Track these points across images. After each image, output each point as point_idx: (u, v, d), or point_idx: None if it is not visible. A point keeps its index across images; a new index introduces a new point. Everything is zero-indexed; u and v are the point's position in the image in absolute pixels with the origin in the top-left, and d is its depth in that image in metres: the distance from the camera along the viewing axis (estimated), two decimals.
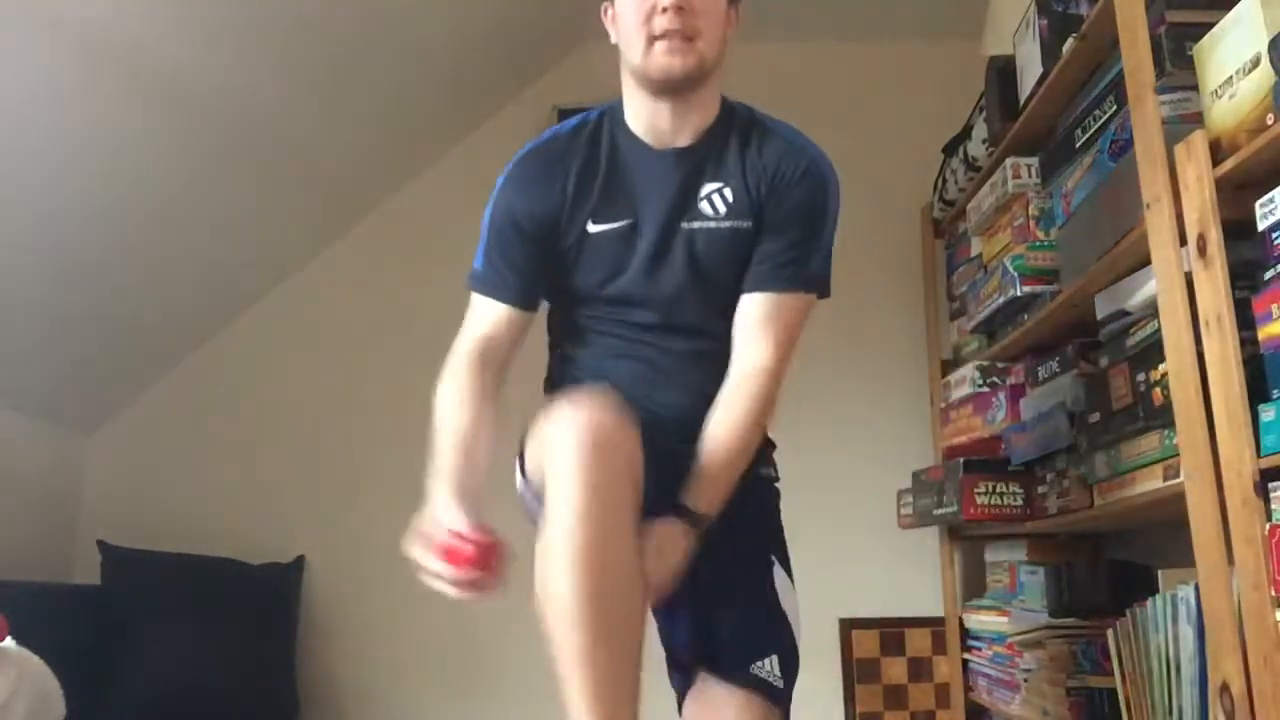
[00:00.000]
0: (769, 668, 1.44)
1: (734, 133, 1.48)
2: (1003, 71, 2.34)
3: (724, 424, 1.40)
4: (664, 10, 1.36)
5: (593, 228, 1.44)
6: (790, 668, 1.47)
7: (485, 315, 1.48)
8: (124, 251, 2.56)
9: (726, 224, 1.44)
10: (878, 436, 2.93)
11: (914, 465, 2.68)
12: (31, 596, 2.35)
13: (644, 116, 1.46)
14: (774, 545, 1.56)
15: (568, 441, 1.19)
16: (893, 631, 2.86)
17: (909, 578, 2.86)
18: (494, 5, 2.68)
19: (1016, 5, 2.27)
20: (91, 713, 2.17)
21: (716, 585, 1.42)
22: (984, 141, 2.49)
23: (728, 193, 1.45)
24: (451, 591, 1.25)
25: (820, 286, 1.49)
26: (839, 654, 2.86)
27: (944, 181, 2.80)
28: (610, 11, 1.46)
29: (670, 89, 1.41)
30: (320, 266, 3.07)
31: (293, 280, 3.07)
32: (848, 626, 2.86)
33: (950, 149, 2.74)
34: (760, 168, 1.45)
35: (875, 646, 2.86)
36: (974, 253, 2.59)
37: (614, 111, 1.49)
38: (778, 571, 1.53)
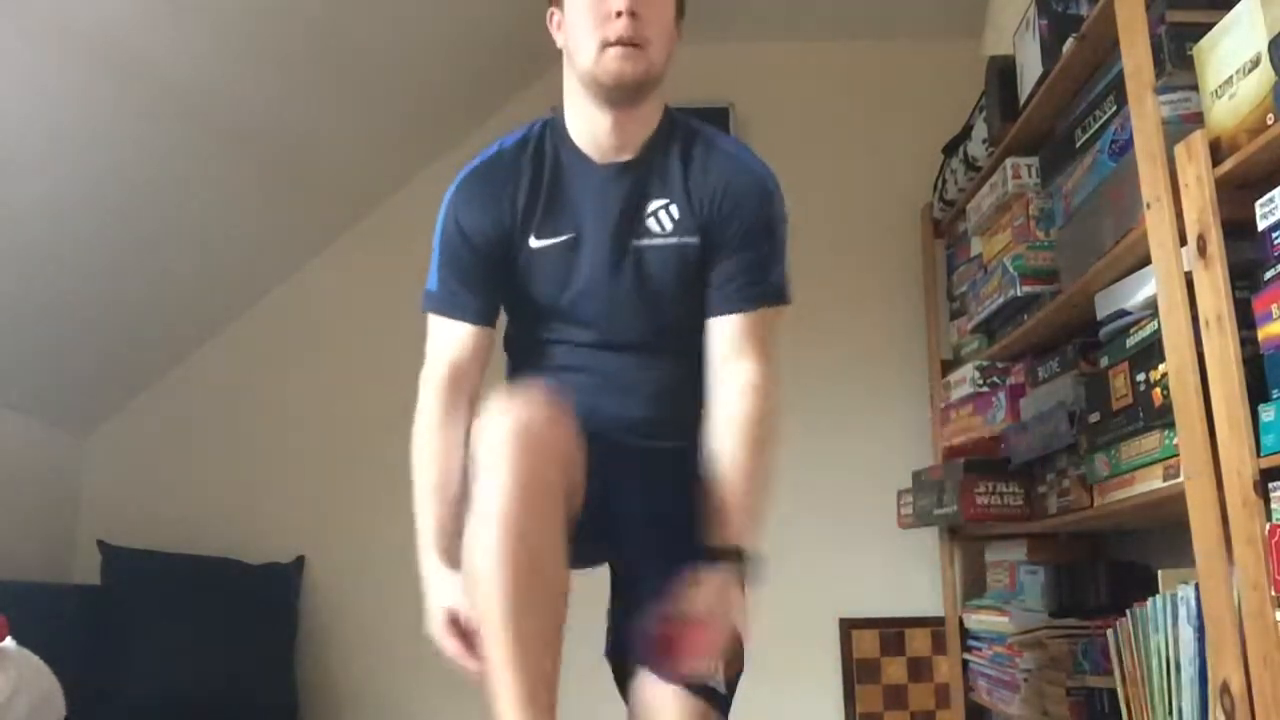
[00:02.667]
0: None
1: (675, 146, 1.48)
2: (1003, 71, 2.34)
3: (733, 449, 1.40)
4: (618, 15, 1.36)
5: (535, 243, 1.45)
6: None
7: (448, 338, 1.47)
8: (123, 252, 2.56)
9: (673, 240, 1.45)
10: (878, 436, 2.93)
11: (914, 465, 2.68)
12: (31, 596, 2.35)
13: (586, 127, 1.45)
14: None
15: (496, 434, 1.22)
16: (893, 631, 2.86)
17: (909, 578, 2.86)
18: (493, 6, 2.67)
19: (1016, 5, 2.27)
20: (91, 713, 2.16)
21: (655, 583, 1.39)
22: (984, 141, 2.49)
23: (673, 209, 1.46)
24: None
25: (784, 297, 1.50)
26: (839, 654, 2.85)
27: (944, 181, 2.80)
28: (557, 18, 1.46)
29: (619, 96, 1.41)
30: (320, 266, 3.07)
31: (293, 280, 3.06)
32: (848, 626, 2.86)
33: (950, 149, 2.74)
34: (705, 186, 1.46)
35: (875, 646, 2.86)
36: (974, 253, 2.59)
37: (555, 124, 1.49)
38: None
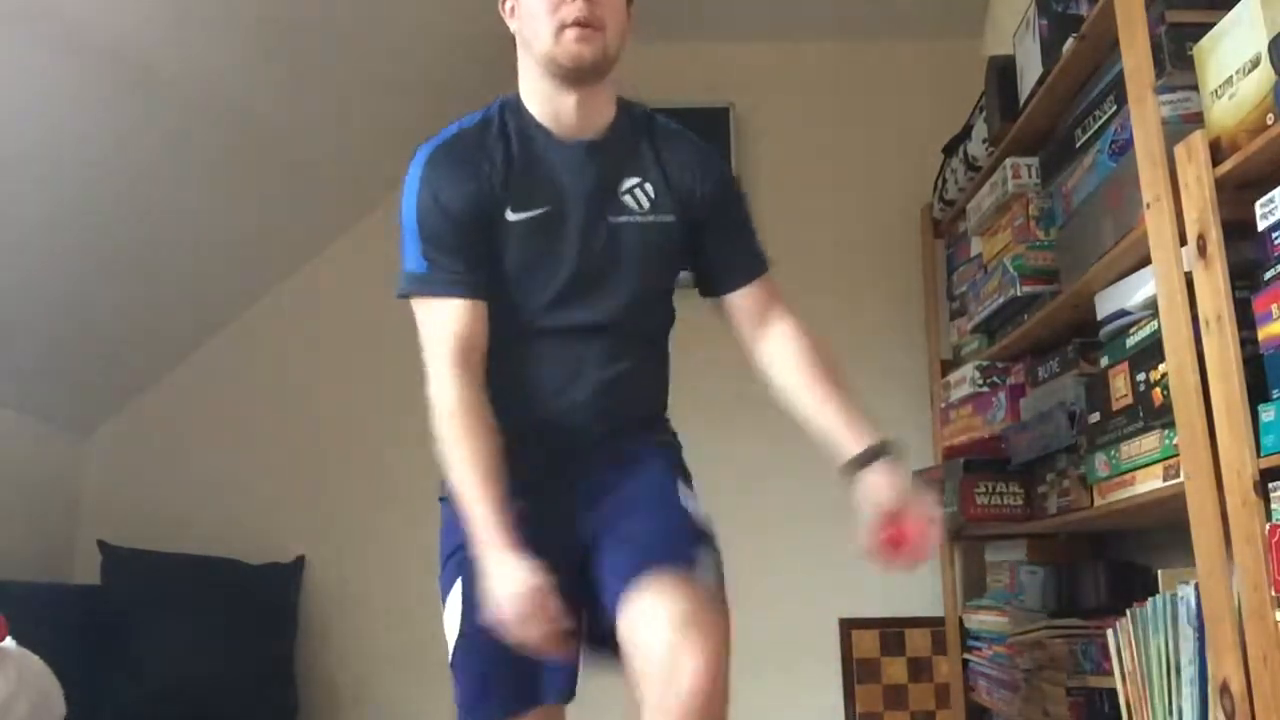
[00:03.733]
0: (707, 561, 1.40)
1: (637, 127, 1.51)
2: (1003, 71, 2.33)
3: (820, 370, 1.50)
4: None
5: (513, 215, 1.44)
6: (721, 575, 1.43)
7: (448, 315, 1.42)
8: (123, 252, 2.56)
9: (651, 218, 1.47)
10: None
11: (914, 465, 2.68)
12: (31, 596, 2.35)
13: (549, 108, 1.46)
14: (680, 474, 1.55)
15: None
16: (893, 631, 2.86)
17: (909, 578, 2.84)
18: (493, 6, 2.67)
19: (1016, 5, 2.27)
20: (91, 713, 2.17)
21: (630, 517, 1.42)
22: (984, 141, 2.49)
23: (649, 187, 1.48)
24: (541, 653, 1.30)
25: (768, 263, 1.58)
26: (839, 654, 2.85)
27: (944, 181, 2.80)
28: (510, 3, 1.48)
29: (578, 77, 1.42)
30: (320, 266, 3.07)
31: (293, 280, 3.06)
32: (848, 626, 2.86)
33: (950, 149, 2.74)
34: (679, 163, 1.50)
35: (875, 646, 2.86)
36: (974, 253, 2.59)
37: (512, 104, 1.49)
38: (683, 491, 1.51)
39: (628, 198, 1.47)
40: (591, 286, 1.46)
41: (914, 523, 1.38)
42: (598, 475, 1.46)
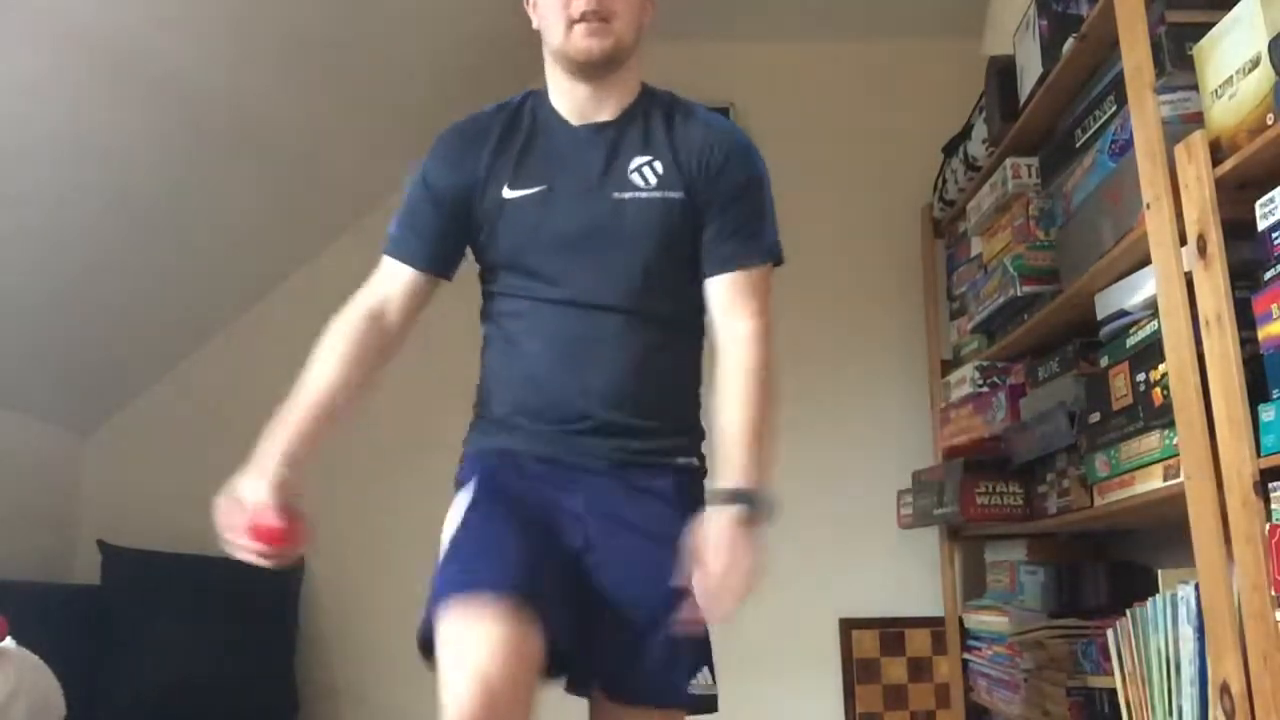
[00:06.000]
0: (703, 680, 1.40)
1: (656, 110, 1.52)
2: (1003, 71, 2.34)
3: (734, 393, 1.41)
4: None
5: (509, 193, 1.47)
6: (713, 666, 1.43)
7: (385, 273, 1.54)
8: (123, 252, 2.56)
9: (658, 194, 1.46)
10: (878, 436, 2.93)
11: (914, 465, 2.68)
12: (31, 596, 2.36)
13: (566, 98, 1.50)
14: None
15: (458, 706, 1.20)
16: (893, 631, 2.86)
17: (909, 578, 2.86)
18: (495, 6, 2.68)
19: (1016, 5, 2.27)
20: (91, 713, 2.17)
21: (641, 607, 1.37)
22: (984, 141, 2.49)
23: (657, 165, 1.47)
24: (253, 560, 1.43)
25: (777, 254, 1.52)
26: (839, 654, 2.85)
27: (944, 181, 2.81)
28: (531, 0, 1.51)
29: (589, 70, 1.45)
30: (320, 267, 3.06)
31: (292, 281, 3.06)
32: (848, 626, 2.86)
33: (950, 149, 2.74)
34: (689, 143, 1.49)
35: (875, 646, 2.86)
36: (974, 253, 2.59)
37: (538, 94, 1.53)
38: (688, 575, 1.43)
39: (635, 175, 1.47)
40: (598, 262, 1.45)
41: (700, 573, 1.31)
42: (605, 494, 1.42)
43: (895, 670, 2.85)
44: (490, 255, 1.51)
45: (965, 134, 2.64)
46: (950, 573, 2.74)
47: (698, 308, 1.51)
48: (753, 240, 1.49)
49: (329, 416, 1.49)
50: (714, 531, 1.33)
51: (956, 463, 2.34)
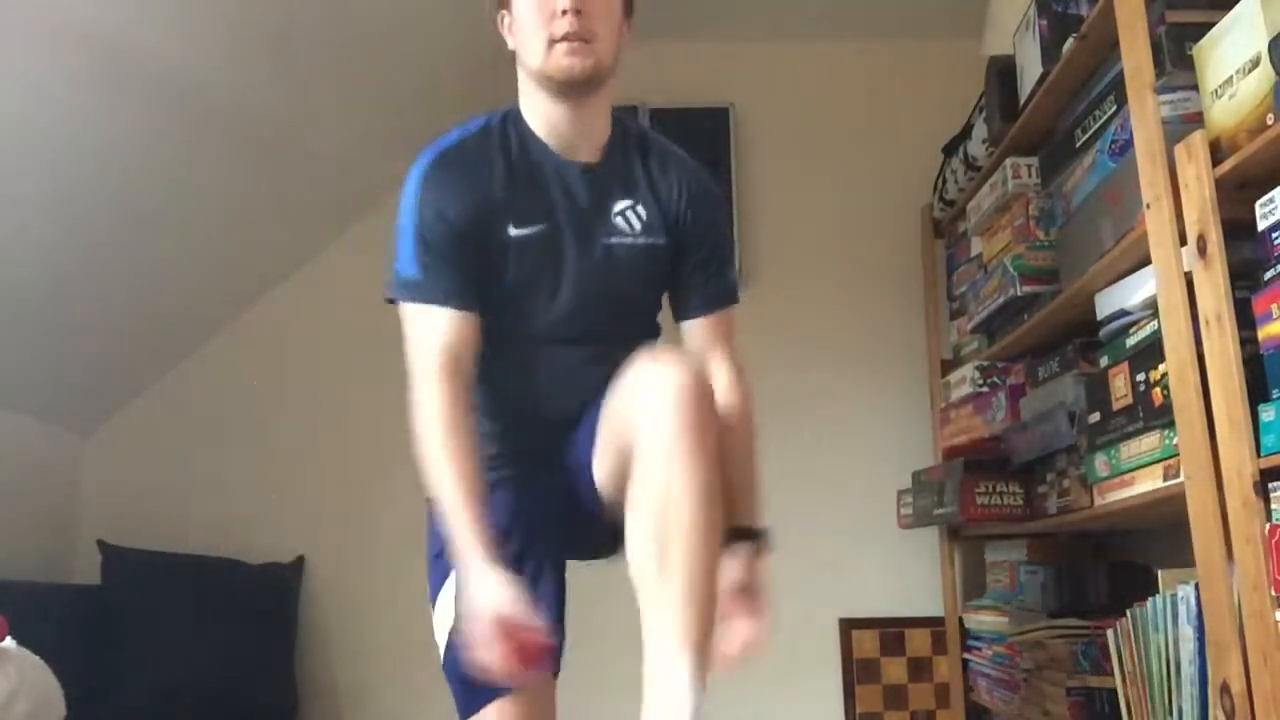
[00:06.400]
0: None
1: (631, 149, 1.53)
2: (1003, 71, 2.34)
3: (735, 441, 1.45)
4: (563, 13, 1.39)
5: (514, 231, 1.45)
6: None
7: (439, 325, 1.40)
8: (123, 252, 2.56)
9: (643, 240, 1.49)
10: (878, 436, 2.93)
11: (914, 465, 2.68)
12: (31, 596, 2.35)
13: (546, 121, 1.48)
14: None
15: None
16: (893, 631, 2.86)
17: (909, 578, 2.86)
18: (493, 4, 2.67)
19: (1016, 5, 2.27)
20: (91, 713, 2.16)
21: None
22: (984, 141, 2.49)
23: (641, 210, 1.50)
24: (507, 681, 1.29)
25: (737, 296, 1.59)
26: (839, 654, 2.85)
27: (944, 181, 2.81)
28: (507, 20, 1.49)
29: (569, 90, 1.43)
30: (320, 266, 3.07)
31: (292, 280, 3.06)
32: (848, 626, 2.86)
33: (950, 149, 2.74)
34: (668, 186, 1.52)
35: (875, 646, 2.86)
36: (974, 253, 2.59)
37: (512, 116, 1.51)
38: None
39: (619, 219, 1.49)
40: (587, 303, 1.47)
41: (740, 619, 1.40)
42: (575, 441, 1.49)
43: (895, 670, 2.85)
44: (489, 286, 1.47)
45: (965, 134, 2.64)
46: (950, 573, 2.74)
47: (655, 333, 1.58)
48: (724, 281, 1.56)
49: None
50: (744, 577, 1.42)
51: (956, 463, 2.34)
